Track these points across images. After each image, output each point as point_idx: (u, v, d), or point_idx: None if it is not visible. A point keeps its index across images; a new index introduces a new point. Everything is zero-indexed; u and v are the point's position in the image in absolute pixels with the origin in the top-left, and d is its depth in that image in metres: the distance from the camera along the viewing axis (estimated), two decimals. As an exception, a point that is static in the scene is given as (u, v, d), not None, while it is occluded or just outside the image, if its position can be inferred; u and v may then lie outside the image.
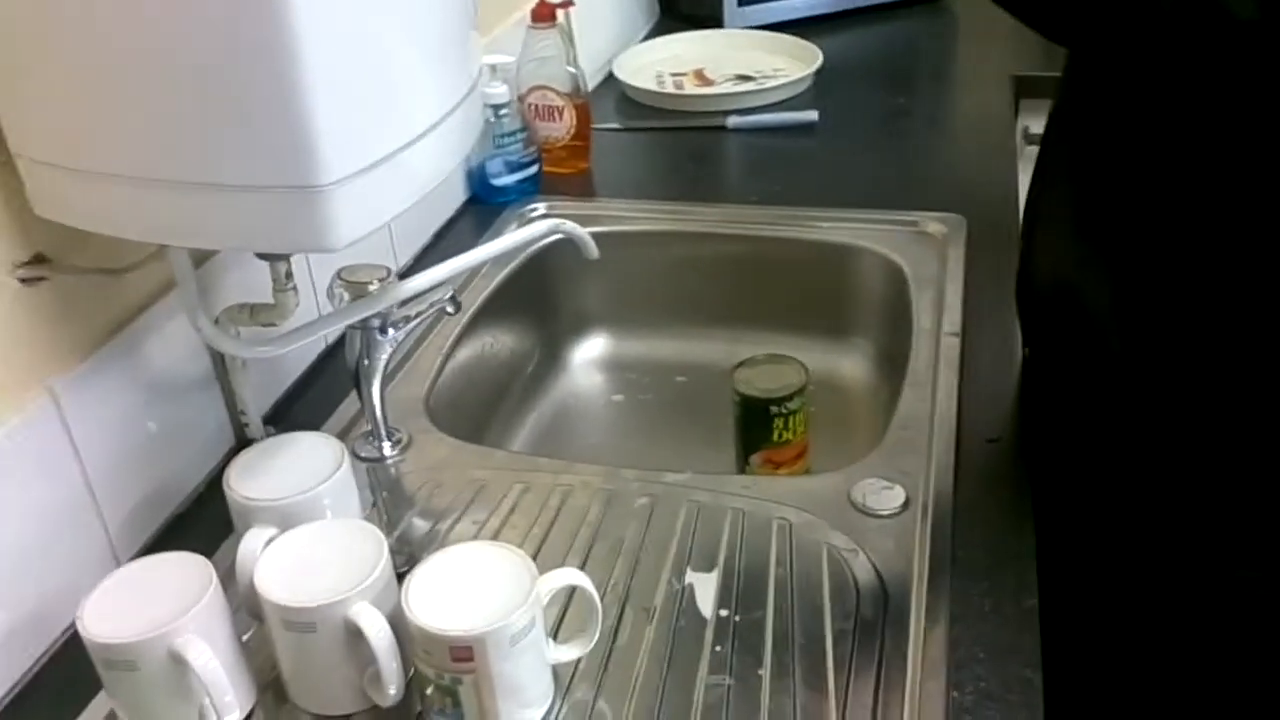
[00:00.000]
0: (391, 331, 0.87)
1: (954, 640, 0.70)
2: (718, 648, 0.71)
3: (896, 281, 1.12)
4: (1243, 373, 0.74)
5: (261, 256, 0.77)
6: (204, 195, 0.59)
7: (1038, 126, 1.42)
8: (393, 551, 0.78)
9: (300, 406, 0.98)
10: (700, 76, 1.64)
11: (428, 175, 0.67)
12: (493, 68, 1.24)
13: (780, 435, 0.99)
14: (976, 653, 0.69)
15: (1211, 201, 0.72)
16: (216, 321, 0.81)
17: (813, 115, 1.45)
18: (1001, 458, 0.85)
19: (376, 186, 0.61)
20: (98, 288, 0.77)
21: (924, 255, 1.14)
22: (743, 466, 1.01)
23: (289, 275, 0.80)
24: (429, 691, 0.65)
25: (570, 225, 0.89)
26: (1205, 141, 0.71)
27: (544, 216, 1.27)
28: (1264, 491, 0.77)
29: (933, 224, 1.18)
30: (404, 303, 0.87)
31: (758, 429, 0.99)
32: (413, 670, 0.66)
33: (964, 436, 0.88)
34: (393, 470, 0.90)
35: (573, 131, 1.34)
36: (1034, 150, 1.38)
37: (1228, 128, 0.70)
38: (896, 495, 0.82)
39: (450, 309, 0.90)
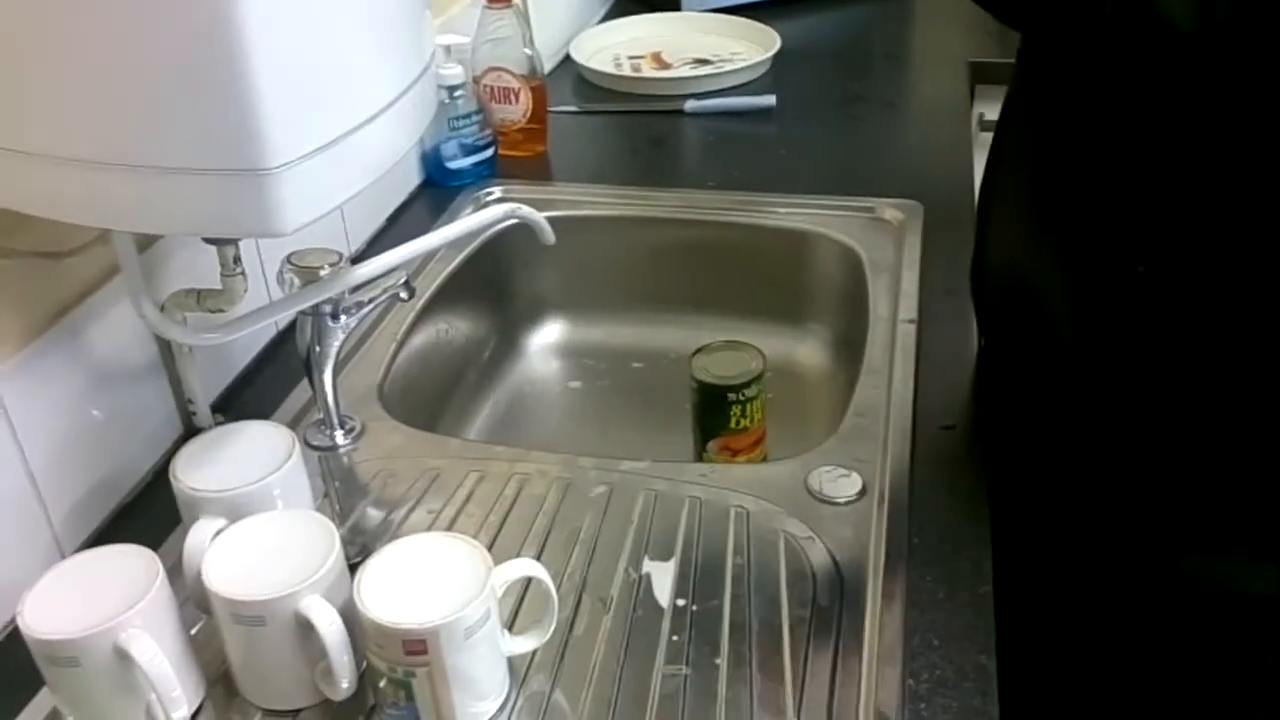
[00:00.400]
0: (344, 318, 0.86)
1: (909, 627, 0.70)
2: (675, 637, 0.70)
3: (853, 268, 1.12)
4: (1189, 359, 0.75)
5: (209, 241, 0.75)
6: (148, 179, 0.57)
7: (993, 113, 1.42)
8: (345, 542, 0.77)
9: (250, 394, 0.96)
10: (658, 59, 1.62)
11: (379, 159, 0.66)
12: (447, 49, 1.22)
13: (738, 422, 0.98)
14: (931, 640, 0.69)
15: (1158, 190, 0.72)
16: (162, 308, 0.79)
17: (770, 100, 1.45)
18: (957, 445, 0.86)
19: (326, 170, 0.60)
20: (38, 272, 0.75)
21: (881, 242, 1.14)
22: (700, 454, 1.01)
23: (237, 260, 0.78)
24: (382, 685, 0.64)
25: (526, 210, 0.87)
26: (1151, 132, 0.71)
27: (499, 200, 1.26)
28: (1209, 477, 0.78)
29: (889, 210, 1.18)
30: (356, 288, 0.85)
31: (715, 416, 0.98)
32: (365, 663, 0.65)
33: (920, 423, 0.88)
34: (345, 459, 0.89)
35: (529, 114, 1.32)
36: (989, 136, 1.39)
37: (1172, 122, 0.70)
38: (853, 483, 0.82)
39: (404, 295, 0.89)
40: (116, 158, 0.56)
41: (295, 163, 0.58)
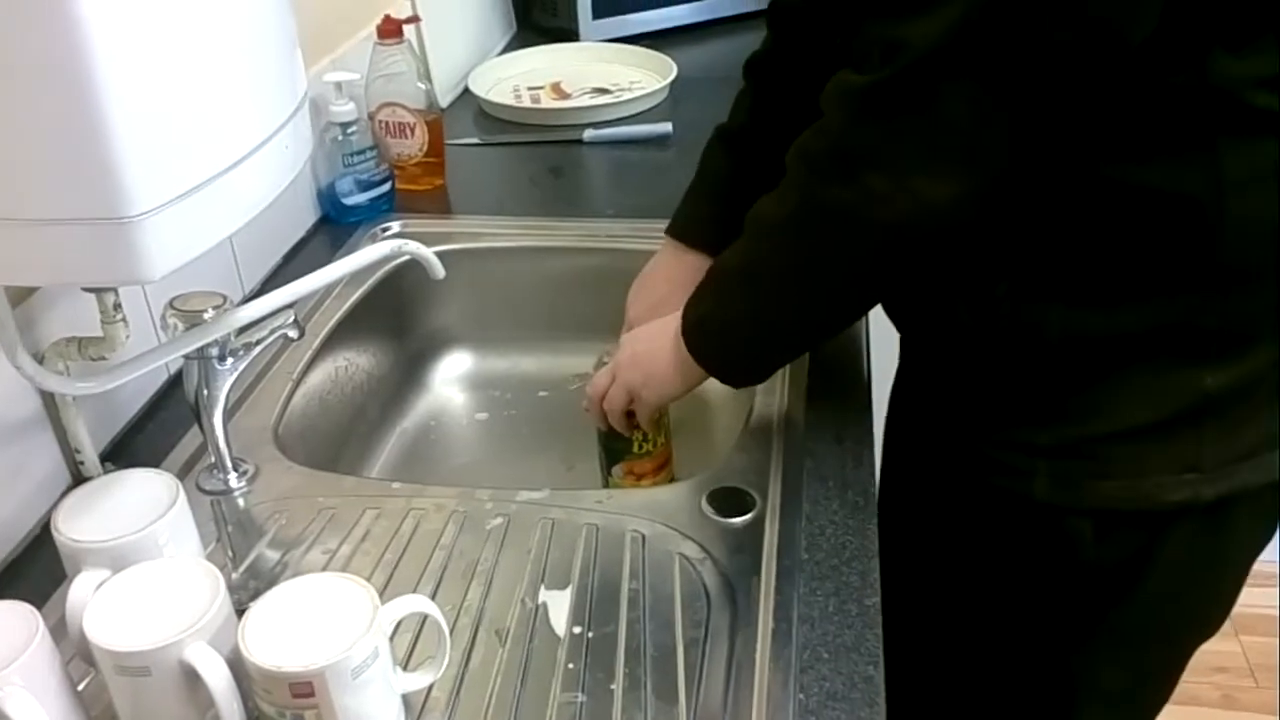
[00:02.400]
0: (231, 360, 0.85)
1: (800, 642, 0.71)
2: (570, 665, 0.71)
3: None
4: None
5: (87, 289, 0.74)
6: (9, 230, 0.57)
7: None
8: (239, 586, 0.77)
9: (141, 441, 0.94)
10: (557, 90, 1.64)
11: (252, 200, 0.66)
12: (339, 85, 1.22)
13: (640, 446, 0.99)
14: (821, 653, 0.71)
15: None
16: (42, 358, 0.78)
17: (667, 127, 1.47)
18: (848, 458, 0.88)
19: (193, 215, 0.60)
20: (-92, 328, 0.74)
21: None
22: (605, 479, 1.01)
23: (117, 307, 0.77)
24: (272, 730, 0.63)
25: (413, 245, 0.88)
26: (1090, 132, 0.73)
27: (396, 235, 1.26)
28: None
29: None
30: (242, 330, 0.85)
31: (618, 441, 0.99)
32: (256, 710, 0.64)
33: (812, 438, 0.90)
34: (240, 502, 0.88)
35: (425, 148, 1.32)
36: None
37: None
38: (746, 501, 0.83)
39: (293, 334, 0.88)
40: (-26, 210, 0.56)
41: (157, 209, 0.58)
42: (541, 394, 1.24)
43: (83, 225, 0.56)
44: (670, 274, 1.04)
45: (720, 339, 0.86)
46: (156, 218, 0.57)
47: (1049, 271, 0.77)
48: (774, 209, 0.79)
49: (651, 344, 0.90)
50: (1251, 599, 1.93)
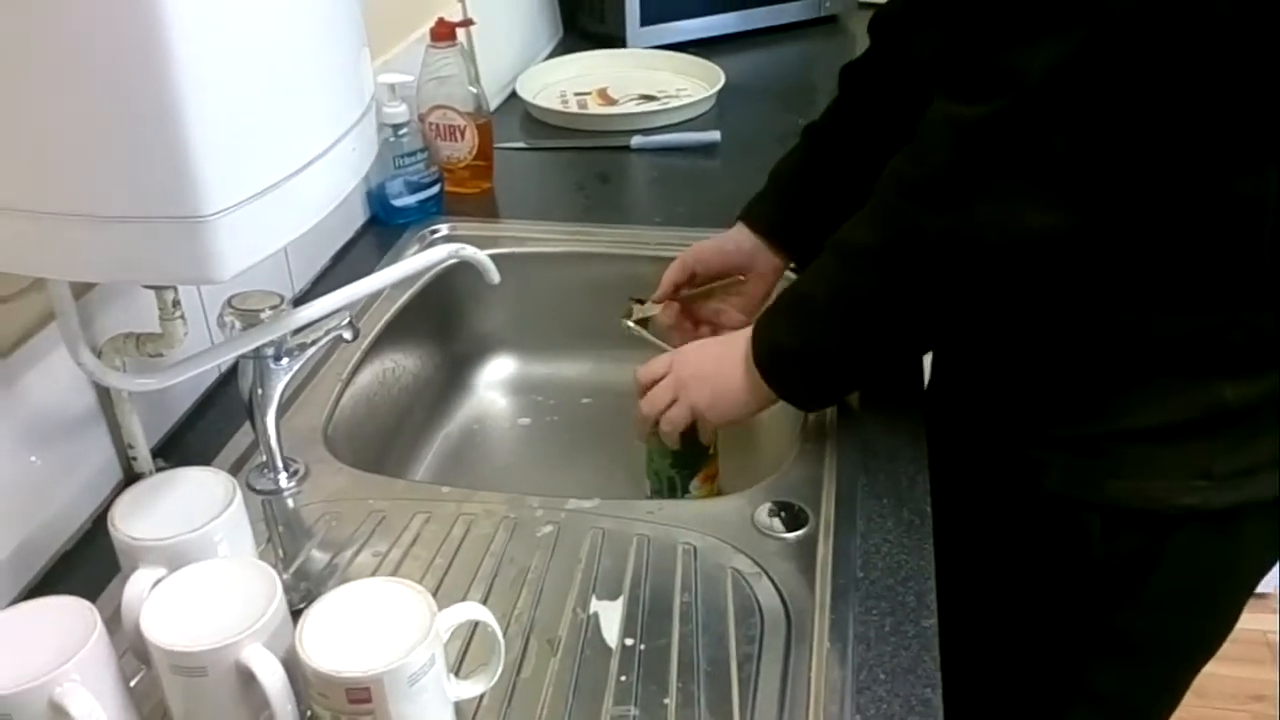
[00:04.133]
0: (286, 360, 0.85)
1: (856, 662, 0.70)
2: (623, 677, 0.70)
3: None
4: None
5: (147, 285, 0.74)
6: (80, 227, 0.56)
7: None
8: (289, 588, 0.76)
9: (192, 438, 0.95)
10: (604, 96, 1.64)
11: (319, 202, 0.66)
12: (391, 87, 1.22)
13: (713, 448, 0.99)
14: (878, 674, 0.70)
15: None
16: (100, 353, 0.78)
17: (715, 135, 1.46)
18: (903, 476, 0.87)
19: (264, 215, 0.59)
20: (-29, 319, 0.74)
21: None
22: (684, 492, 1.00)
23: (176, 304, 0.77)
24: (326, 734, 0.63)
25: (470, 250, 0.87)
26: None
27: (446, 238, 1.26)
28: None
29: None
30: (298, 330, 0.84)
31: (696, 448, 0.98)
32: (309, 713, 0.64)
33: (867, 454, 0.89)
34: (289, 503, 0.87)
35: (475, 151, 1.32)
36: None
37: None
38: (799, 516, 0.82)
39: (348, 336, 0.88)
40: (47, 206, 0.56)
41: (231, 209, 0.57)
42: (584, 400, 1.24)
43: (157, 223, 0.55)
44: (741, 242, 1.04)
45: (799, 366, 0.85)
46: (230, 218, 0.57)
47: (1099, 282, 0.77)
48: (865, 237, 0.78)
49: (720, 365, 0.89)
50: (1288, 626, 1.91)
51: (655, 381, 0.94)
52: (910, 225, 0.75)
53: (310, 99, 0.63)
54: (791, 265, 1.06)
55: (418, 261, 0.85)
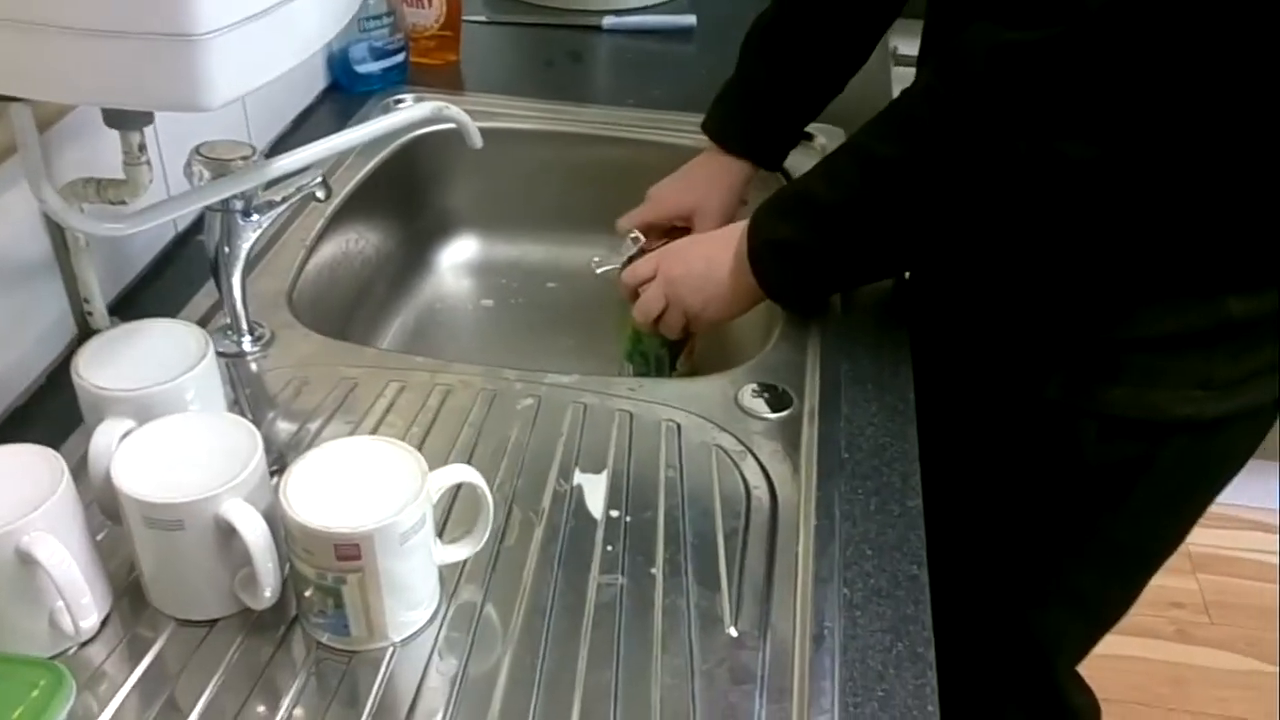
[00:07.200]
0: (255, 216, 0.81)
1: (843, 538, 0.70)
2: (609, 547, 0.69)
3: (761, 185, 1.11)
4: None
5: (113, 124, 0.70)
6: (66, 41, 0.52)
7: (906, 47, 1.42)
8: (260, 450, 0.73)
9: (149, 297, 0.90)
10: (574, -27, 1.57)
11: (309, 36, 0.61)
12: (359, -55, 1.15)
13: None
14: (864, 550, 0.69)
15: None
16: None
17: (691, 19, 1.42)
18: (886, 364, 0.86)
19: (256, 41, 0.55)
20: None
21: (801, 163, 1.12)
22: (668, 369, 0.98)
23: (143, 148, 0.72)
24: (308, 593, 0.61)
25: (454, 110, 0.83)
26: None
27: (409, 108, 1.20)
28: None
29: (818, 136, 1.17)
30: (270, 184, 0.80)
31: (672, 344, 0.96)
32: (289, 570, 0.62)
33: (850, 341, 0.88)
34: (254, 367, 0.84)
35: (442, 20, 1.27)
36: (901, 71, 1.38)
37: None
38: (783, 398, 0.81)
39: (320, 194, 0.84)
40: (30, 15, 0.51)
41: (223, 30, 0.53)
42: (550, 285, 1.21)
43: (146, 40, 0.51)
44: (705, 174, 1.01)
45: (795, 263, 0.84)
46: (221, 39, 0.53)
47: (1122, 207, 0.76)
48: (890, 149, 0.76)
49: (711, 265, 0.87)
50: (1208, 539, 1.99)
51: (642, 283, 0.92)
52: (942, 146, 0.72)
53: (306, -80, 0.59)
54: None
55: (399, 118, 0.82)
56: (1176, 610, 1.88)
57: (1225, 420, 0.83)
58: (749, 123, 1.03)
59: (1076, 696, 1.08)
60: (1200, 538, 0.96)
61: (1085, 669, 1.08)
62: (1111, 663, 1.53)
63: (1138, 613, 1.00)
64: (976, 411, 0.92)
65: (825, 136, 1.16)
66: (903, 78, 1.31)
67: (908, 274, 0.96)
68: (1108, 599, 0.98)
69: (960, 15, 0.80)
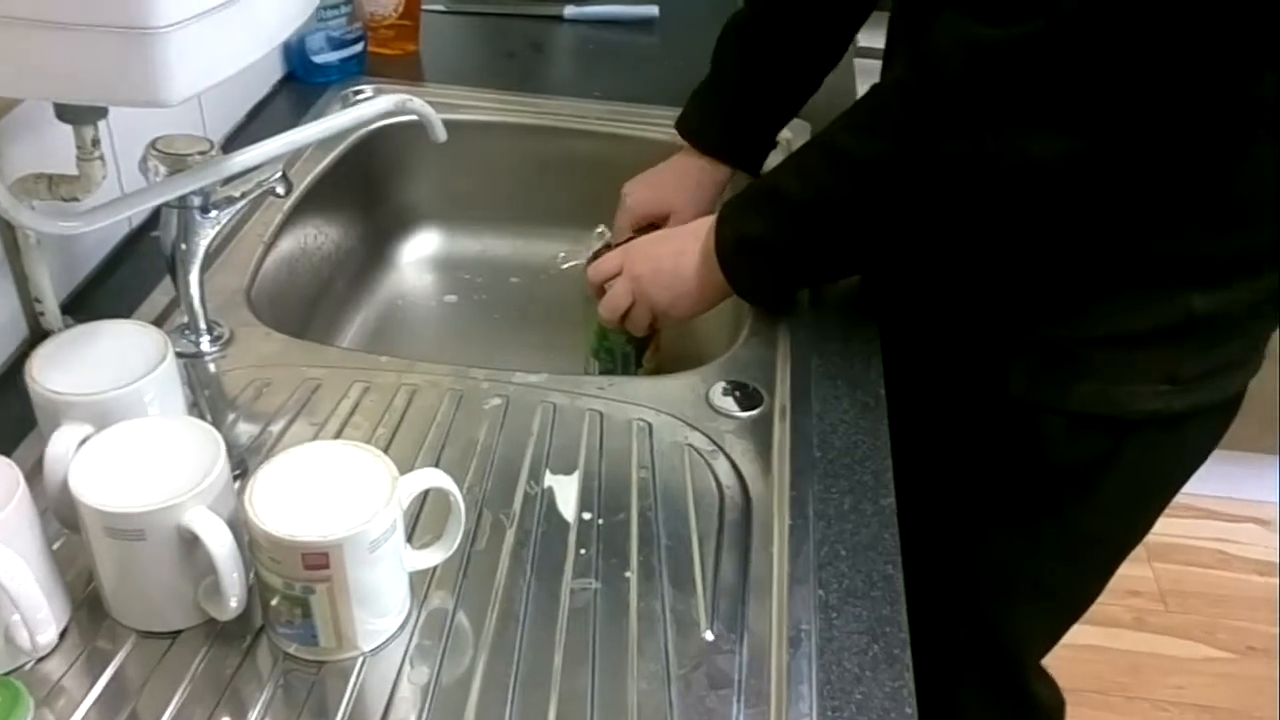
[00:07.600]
0: (214, 212, 0.79)
1: (818, 539, 0.69)
2: (582, 551, 0.68)
3: (738, 186, 1.10)
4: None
5: (65, 119, 0.67)
6: (22, 33, 0.50)
7: (868, 39, 1.42)
8: (222, 454, 0.71)
9: (102, 296, 0.88)
10: (534, -38, 1.55)
11: (272, 29, 0.60)
12: (316, -67, 1.13)
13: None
14: (839, 550, 0.69)
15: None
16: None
17: (653, 10, 1.41)
18: (856, 360, 0.86)
19: (218, 34, 0.54)
20: None
21: (769, 159, 1.12)
22: (637, 368, 0.97)
23: (96, 143, 0.70)
24: (275, 603, 0.59)
25: (418, 103, 0.82)
26: None
27: (370, 100, 1.18)
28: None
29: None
30: (228, 180, 0.78)
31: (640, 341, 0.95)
32: (252, 579, 0.60)
33: (819, 338, 0.87)
34: (213, 367, 0.82)
35: (401, 9, 1.24)
36: (865, 64, 1.38)
37: None
38: (754, 396, 0.81)
39: (280, 190, 0.82)
40: (-21, 5, 0.49)
41: (183, 24, 0.51)
42: (513, 280, 1.20)
43: (105, 32, 0.49)
44: (681, 174, 1.00)
45: (763, 259, 0.83)
46: (181, 33, 0.51)
47: (1087, 203, 0.76)
48: (860, 146, 0.76)
49: (678, 261, 0.87)
50: (1165, 528, 2.01)
51: (607, 279, 0.91)
52: (912, 143, 0.72)
53: (268, -91, 0.57)
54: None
55: (361, 112, 0.80)
56: (1134, 598, 1.90)
57: (1191, 414, 0.83)
58: (725, 123, 1.02)
59: (1042, 690, 1.08)
60: (1156, 526, 0.98)
61: (1046, 659, 1.09)
62: (1071, 652, 1.54)
63: (1097, 601, 1.01)
64: (943, 407, 0.92)
65: (789, 130, 1.15)
66: (866, 70, 1.32)
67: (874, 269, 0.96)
68: (1074, 592, 0.99)
69: (926, 8, 0.80)
